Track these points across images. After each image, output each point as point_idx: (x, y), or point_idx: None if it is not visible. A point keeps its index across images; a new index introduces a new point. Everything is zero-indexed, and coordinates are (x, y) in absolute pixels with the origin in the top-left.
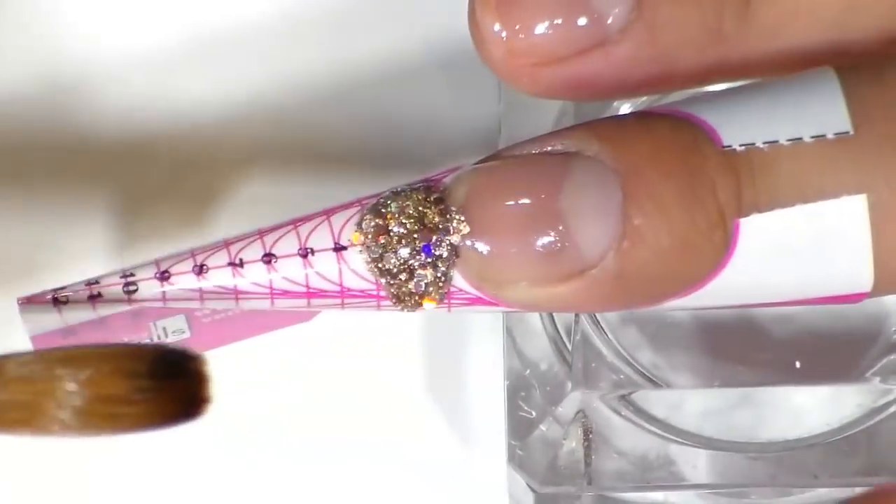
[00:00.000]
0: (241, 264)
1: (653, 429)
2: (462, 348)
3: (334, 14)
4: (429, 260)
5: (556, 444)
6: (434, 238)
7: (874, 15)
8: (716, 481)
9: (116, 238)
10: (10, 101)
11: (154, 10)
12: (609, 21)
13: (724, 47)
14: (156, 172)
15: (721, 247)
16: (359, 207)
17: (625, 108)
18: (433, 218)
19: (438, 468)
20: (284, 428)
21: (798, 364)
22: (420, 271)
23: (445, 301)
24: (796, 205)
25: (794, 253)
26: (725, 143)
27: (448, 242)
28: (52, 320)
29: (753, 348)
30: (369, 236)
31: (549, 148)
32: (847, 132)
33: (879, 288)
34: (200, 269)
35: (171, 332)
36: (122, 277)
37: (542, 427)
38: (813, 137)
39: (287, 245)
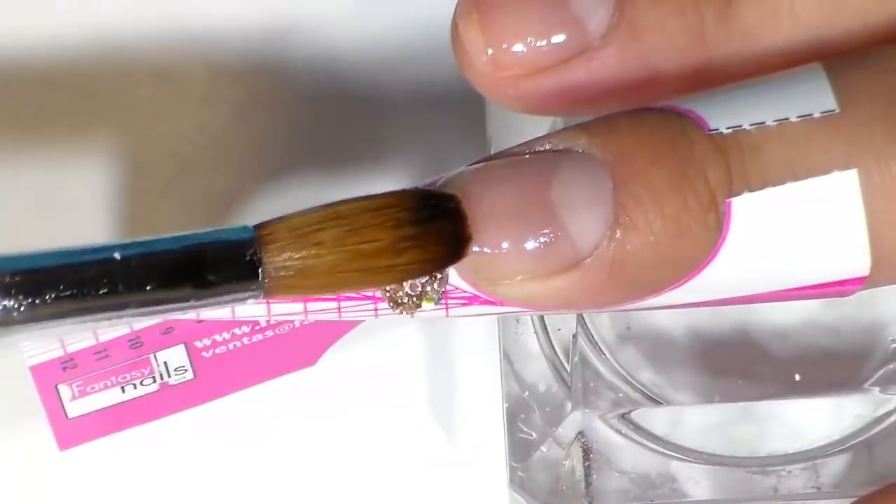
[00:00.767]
0: None
1: (653, 446)
2: (460, 373)
3: (333, 19)
4: None
5: (557, 464)
6: None
7: (857, 12)
8: (718, 497)
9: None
10: (10, 102)
11: (154, 11)
12: (591, 27)
13: (706, 49)
14: (155, 174)
15: (715, 229)
16: None
17: None
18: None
19: (440, 492)
20: (283, 448)
21: (797, 377)
22: None
23: (443, 301)
24: (787, 182)
25: (788, 233)
26: (712, 128)
27: None
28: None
29: (752, 363)
30: None
31: (539, 148)
32: (833, 110)
33: (878, 270)
34: None
35: (174, 369)
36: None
37: (543, 448)
38: (799, 117)
39: None
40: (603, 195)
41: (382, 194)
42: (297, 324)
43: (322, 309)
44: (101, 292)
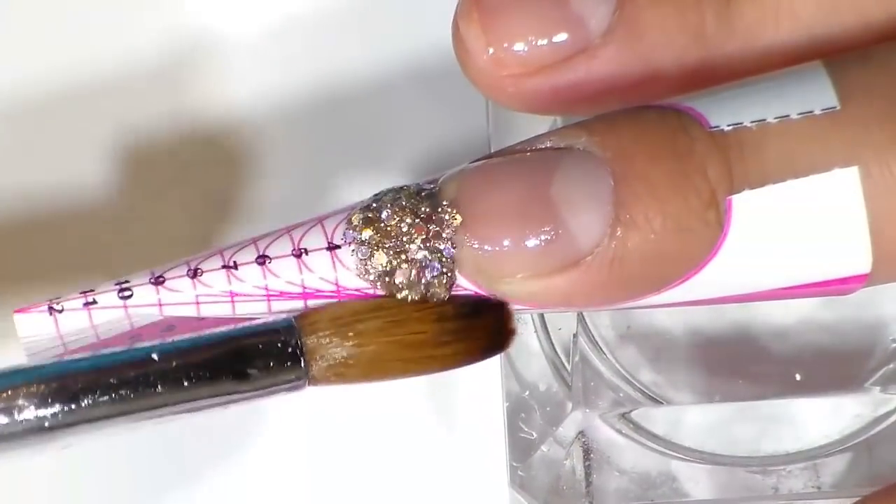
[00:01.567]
0: (236, 266)
1: (654, 446)
2: (460, 373)
3: (330, 24)
4: (428, 256)
5: (558, 464)
6: (428, 228)
7: (857, 10)
8: (718, 496)
9: (116, 243)
10: (10, 103)
11: (154, 13)
12: (592, 25)
13: (706, 47)
14: (153, 178)
15: (715, 226)
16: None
17: None
18: (425, 209)
19: (440, 492)
20: (283, 447)
21: (797, 376)
22: (417, 257)
23: None
24: (788, 179)
25: (788, 230)
26: (713, 125)
27: (445, 235)
28: (48, 331)
29: (752, 362)
30: (363, 231)
31: (539, 146)
32: (834, 107)
33: (879, 268)
34: (195, 273)
35: None
36: (116, 285)
37: (543, 448)
38: (800, 114)
39: (280, 247)
40: (603, 193)
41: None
42: None
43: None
44: (139, 394)
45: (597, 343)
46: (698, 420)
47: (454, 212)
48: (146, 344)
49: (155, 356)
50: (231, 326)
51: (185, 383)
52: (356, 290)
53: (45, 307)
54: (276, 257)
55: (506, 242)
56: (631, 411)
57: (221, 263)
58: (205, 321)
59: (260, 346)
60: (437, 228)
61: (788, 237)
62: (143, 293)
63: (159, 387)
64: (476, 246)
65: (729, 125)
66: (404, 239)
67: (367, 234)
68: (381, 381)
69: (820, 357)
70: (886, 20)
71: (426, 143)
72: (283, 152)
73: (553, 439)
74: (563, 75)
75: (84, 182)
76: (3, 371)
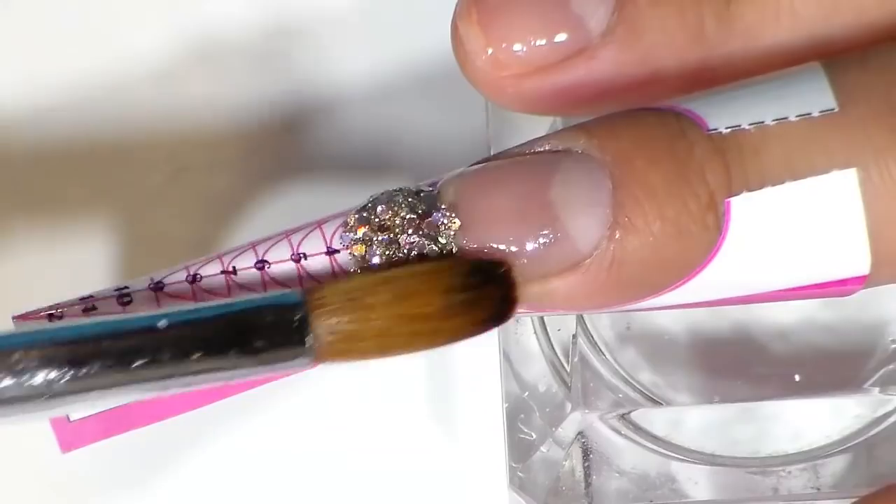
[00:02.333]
0: (235, 272)
1: (653, 447)
2: (460, 373)
3: (330, 25)
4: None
5: (557, 465)
6: (423, 224)
7: (856, 11)
8: (718, 497)
9: (115, 247)
10: (10, 107)
11: (154, 14)
12: (591, 25)
13: (705, 48)
14: (155, 174)
15: (714, 229)
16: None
17: None
18: (422, 208)
19: (440, 492)
20: (283, 448)
21: (797, 377)
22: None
23: None
24: (786, 182)
25: (787, 232)
26: (711, 128)
27: (443, 236)
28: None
29: (752, 363)
30: (358, 230)
31: (538, 149)
32: (832, 109)
33: (878, 269)
34: (194, 279)
35: None
36: (115, 291)
37: (543, 449)
38: (798, 116)
39: (279, 252)
40: (602, 196)
41: (431, 259)
42: None
43: None
44: (144, 362)
45: (596, 344)
46: (698, 421)
47: (453, 216)
48: (153, 312)
49: (162, 324)
50: (238, 298)
51: (191, 354)
52: None
53: (45, 314)
54: (275, 262)
55: (504, 245)
56: (630, 412)
57: (220, 269)
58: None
59: (267, 321)
60: (434, 232)
61: (787, 239)
62: (143, 299)
63: (165, 353)
64: (475, 249)
65: (727, 128)
66: (397, 231)
67: (361, 232)
68: (386, 356)
69: (820, 358)
70: (886, 20)
71: (426, 145)
72: (283, 154)
73: (552, 440)
74: (562, 76)
75: (84, 182)
76: (8, 333)
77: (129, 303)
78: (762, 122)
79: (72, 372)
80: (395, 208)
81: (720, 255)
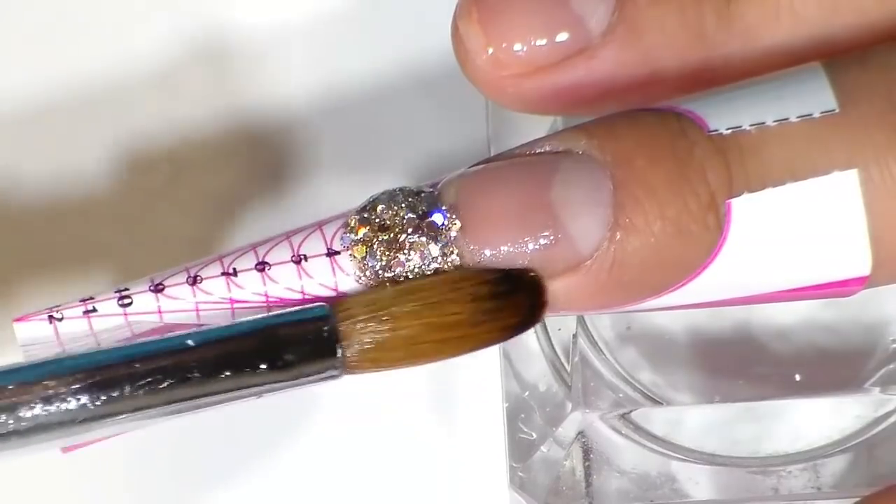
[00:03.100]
0: (235, 273)
1: (654, 446)
2: (460, 373)
3: (330, 26)
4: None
5: (558, 465)
6: (425, 227)
7: (857, 11)
8: (718, 497)
9: (115, 247)
10: (10, 107)
11: (154, 14)
12: (591, 25)
13: (706, 48)
14: (155, 174)
15: (714, 230)
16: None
17: None
18: (422, 208)
19: (440, 492)
20: (283, 448)
21: (798, 377)
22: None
23: None
24: (787, 182)
25: (788, 233)
26: (712, 128)
27: (443, 237)
28: (48, 339)
29: (752, 363)
30: (358, 230)
31: (539, 149)
32: (833, 110)
33: (879, 270)
34: (194, 280)
35: None
36: (116, 292)
37: (543, 448)
38: (799, 117)
39: (280, 253)
40: (603, 197)
41: (459, 267)
42: None
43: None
44: (175, 381)
45: (596, 343)
46: (698, 420)
47: (454, 217)
48: (181, 333)
49: (191, 342)
50: (265, 314)
51: (222, 372)
52: None
53: (45, 315)
54: (276, 263)
55: (505, 247)
56: (631, 412)
57: (221, 270)
58: (204, 326)
59: (295, 334)
60: (434, 233)
61: (788, 240)
62: (143, 301)
63: (196, 373)
64: (475, 250)
65: (728, 128)
66: (398, 230)
67: (362, 232)
68: (415, 364)
69: (820, 357)
70: (886, 20)
71: (426, 145)
72: (283, 156)
73: (553, 440)
74: (562, 75)
75: (84, 183)
76: (38, 362)
77: (129, 304)
78: (763, 123)
79: (103, 396)
80: (396, 208)
81: (721, 256)
